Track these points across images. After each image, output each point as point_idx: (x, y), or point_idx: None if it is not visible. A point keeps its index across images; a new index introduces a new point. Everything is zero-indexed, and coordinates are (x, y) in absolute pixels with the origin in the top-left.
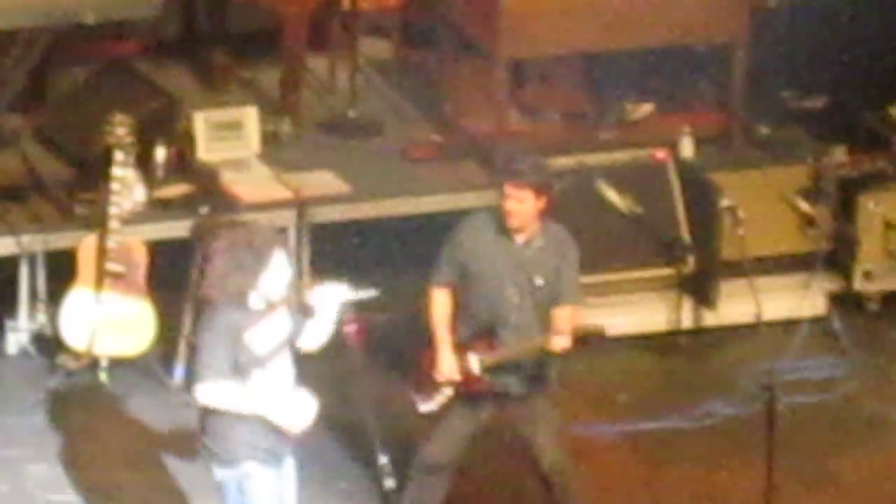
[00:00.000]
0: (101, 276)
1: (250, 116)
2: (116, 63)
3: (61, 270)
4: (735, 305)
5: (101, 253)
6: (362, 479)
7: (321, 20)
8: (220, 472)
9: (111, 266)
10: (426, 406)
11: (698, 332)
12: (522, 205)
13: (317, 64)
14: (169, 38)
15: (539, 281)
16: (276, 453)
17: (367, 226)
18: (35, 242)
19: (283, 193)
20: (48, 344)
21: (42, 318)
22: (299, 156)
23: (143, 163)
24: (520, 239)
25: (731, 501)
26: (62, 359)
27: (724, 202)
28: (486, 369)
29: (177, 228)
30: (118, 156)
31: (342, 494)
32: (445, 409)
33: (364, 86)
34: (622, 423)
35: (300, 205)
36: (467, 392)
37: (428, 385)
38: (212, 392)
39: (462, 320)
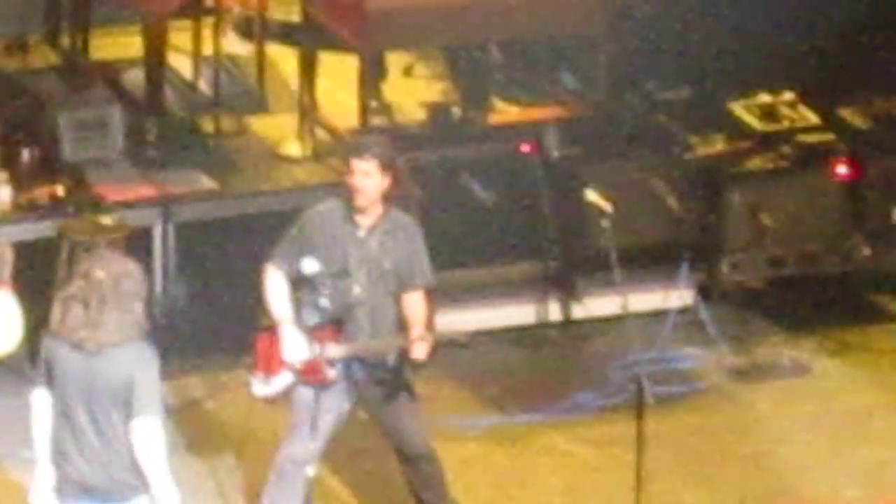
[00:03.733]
0: None
1: (114, 115)
2: None
3: None
4: (602, 298)
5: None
6: None
7: (184, 18)
8: None
9: None
10: (263, 389)
11: (566, 324)
12: (369, 179)
13: (180, 62)
14: (32, 37)
15: (387, 265)
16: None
17: (235, 224)
18: None
19: (148, 192)
20: None
21: None
22: (164, 154)
23: (9, 163)
24: (365, 223)
25: (601, 493)
26: None
27: (590, 194)
28: (331, 362)
29: (43, 229)
30: None
31: None
32: (304, 403)
33: (228, 83)
34: (491, 416)
35: (165, 203)
36: (309, 381)
37: (266, 367)
38: None
39: (307, 307)
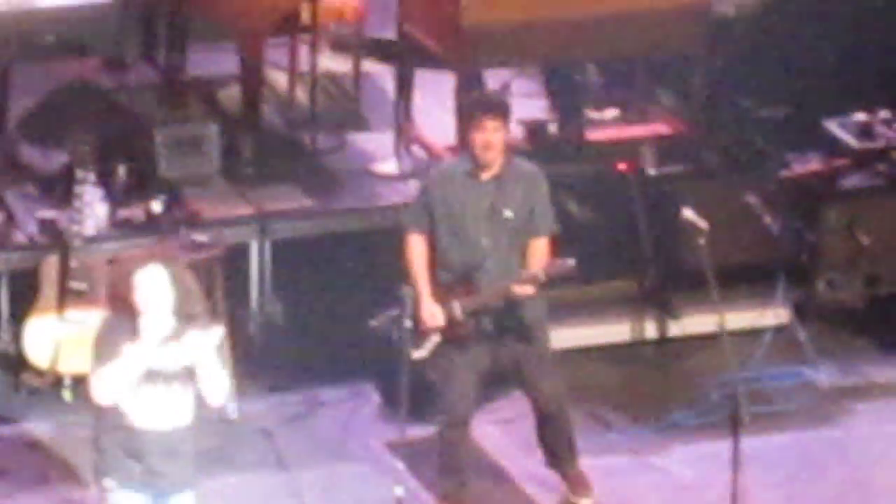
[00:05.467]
0: (64, 295)
1: (211, 132)
2: (77, 81)
3: (24, 290)
4: (698, 315)
5: (64, 271)
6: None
7: (281, 35)
8: None
9: (74, 284)
10: (417, 353)
11: (662, 342)
12: (498, 134)
13: (276, 79)
14: (130, 55)
15: (508, 213)
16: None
17: (331, 241)
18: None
19: (245, 209)
20: (12, 362)
21: (5, 336)
22: (261, 171)
23: (105, 180)
24: (487, 176)
25: None
26: (26, 377)
27: (686, 212)
28: (468, 314)
29: (139, 246)
30: (80, 174)
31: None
32: (448, 363)
33: (324, 100)
34: (587, 434)
35: (262, 220)
36: (452, 338)
37: (420, 333)
38: None
39: (441, 266)
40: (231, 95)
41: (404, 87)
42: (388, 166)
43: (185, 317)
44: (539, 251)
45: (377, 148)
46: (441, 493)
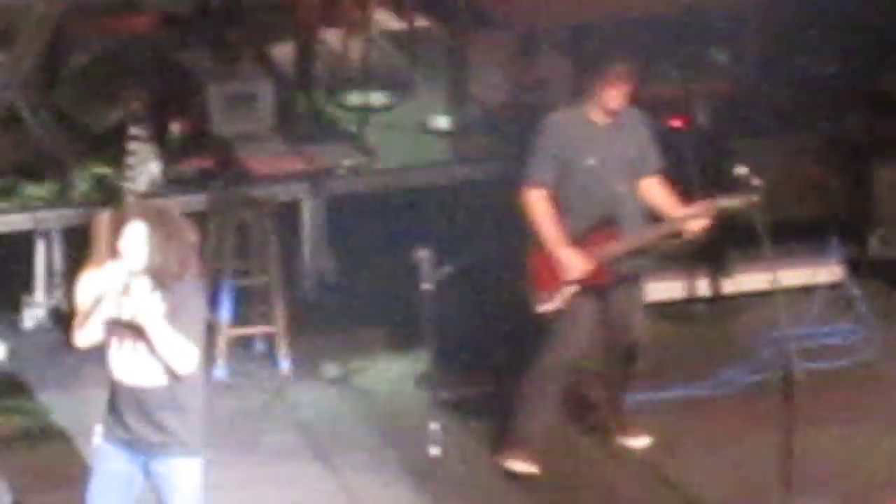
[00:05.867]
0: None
1: (264, 89)
2: (131, 38)
3: (78, 246)
4: (751, 273)
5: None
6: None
7: None
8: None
9: None
10: (547, 305)
11: (715, 299)
12: (627, 82)
13: (330, 36)
14: (183, 13)
15: (632, 154)
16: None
17: (384, 198)
18: (50, 218)
19: (297, 166)
20: (65, 319)
21: (59, 293)
22: (313, 129)
23: (159, 137)
24: (606, 121)
25: (750, 469)
26: None
27: (740, 169)
28: (612, 261)
29: (193, 203)
30: (133, 130)
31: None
32: (577, 307)
33: (378, 58)
34: (640, 391)
35: (314, 177)
36: (593, 285)
37: (548, 285)
38: None
39: (571, 216)
40: (285, 52)
41: (458, 44)
42: (441, 123)
43: (156, 278)
44: (657, 187)
45: (429, 105)
46: (513, 439)
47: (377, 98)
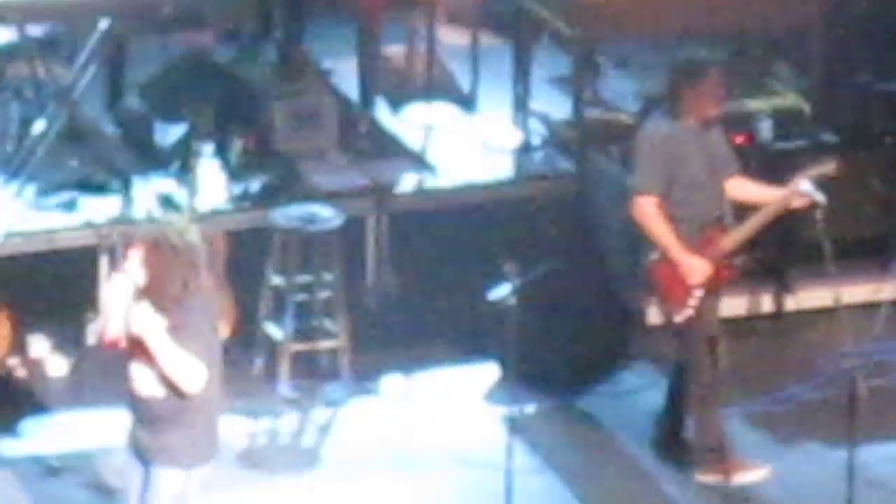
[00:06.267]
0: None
1: (328, 106)
2: (194, 53)
3: None
4: (814, 289)
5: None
6: None
7: (398, 8)
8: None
9: None
10: (683, 314)
11: (778, 316)
12: (723, 90)
13: (393, 52)
14: (246, 28)
15: (722, 154)
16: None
17: (447, 214)
18: (113, 234)
19: (361, 182)
20: None
21: None
22: (377, 145)
23: (222, 153)
24: (700, 127)
25: (813, 485)
26: None
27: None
28: (730, 256)
29: (256, 219)
30: (197, 146)
31: None
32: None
33: (441, 74)
34: None
35: (378, 193)
36: (717, 285)
37: (678, 294)
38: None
39: (680, 222)
40: (347, 68)
41: (521, 60)
42: (504, 140)
43: (154, 300)
44: (745, 182)
45: (494, 122)
46: (705, 460)
47: (440, 114)
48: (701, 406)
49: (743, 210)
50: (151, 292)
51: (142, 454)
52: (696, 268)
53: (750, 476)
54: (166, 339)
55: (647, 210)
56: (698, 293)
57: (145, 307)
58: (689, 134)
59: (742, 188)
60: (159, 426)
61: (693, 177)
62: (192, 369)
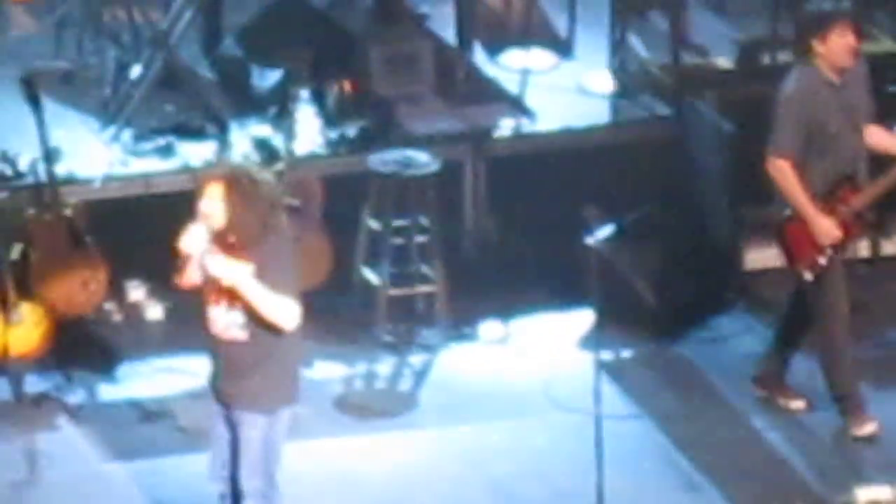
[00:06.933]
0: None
1: (425, 50)
2: None
3: None
4: None
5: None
6: None
7: None
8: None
9: (288, 200)
10: (812, 272)
11: (875, 260)
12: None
13: None
14: None
15: (861, 104)
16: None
17: (544, 158)
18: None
19: (459, 127)
20: None
21: None
22: (474, 89)
23: (319, 97)
24: (839, 79)
25: None
26: None
27: None
28: (860, 214)
29: (352, 163)
30: (294, 91)
31: None
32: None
33: (538, 18)
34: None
35: (475, 138)
36: (846, 243)
37: (808, 252)
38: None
39: (813, 180)
40: (444, 13)
41: (616, 5)
42: (602, 84)
43: (236, 238)
44: (880, 131)
45: (590, 65)
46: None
47: (537, 58)
48: (832, 358)
49: (878, 159)
50: (231, 230)
51: (224, 399)
52: (828, 229)
53: (868, 428)
54: (255, 282)
55: (785, 170)
56: (829, 252)
57: (223, 257)
58: (828, 89)
59: (875, 137)
60: (240, 371)
61: (831, 134)
62: (286, 307)
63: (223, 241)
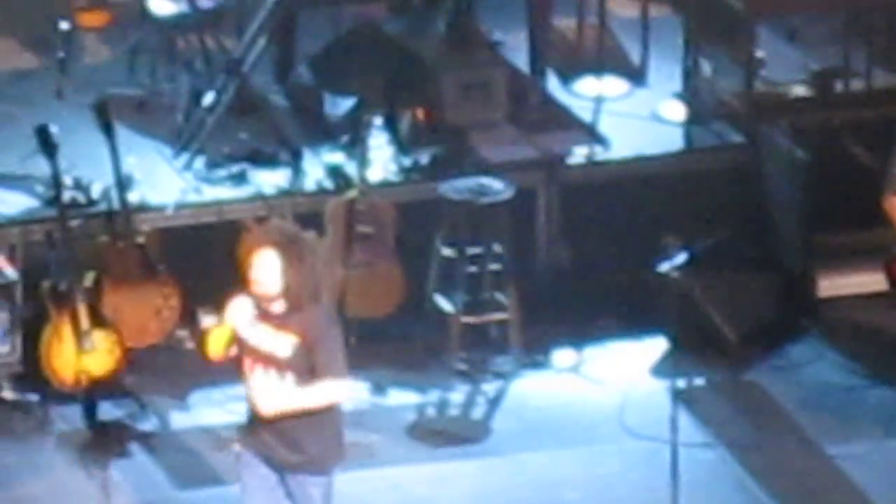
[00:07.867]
0: (350, 238)
1: (498, 77)
2: (364, 25)
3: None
4: None
5: (350, 214)
6: None
7: None
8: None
9: (360, 227)
10: None
11: None
12: None
13: (564, 24)
14: (416, 0)
15: None
16: None
17: (617, 186)
18: (283, 206)
19: (532, 154)
20: None
21: None
22: (547, 117)
23: (391, 125)
24: None
25: None
26: None
27: None
28: None
29: (425, 191)
30: (366, 118)
31: None
32: None
33: (611, 45)
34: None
35: (549, 165)
36: None
37: None
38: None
39: None
40: (517, 40)
41: (693, 32)
42: (676, 112)
43: (292, 302)
44: None
45: (664, 94)
46: None
47: (610, 86)
48: None
49: None
50: (289, 295)
51: (281, 466)
52: None
53: None
54: (299, 391)
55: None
56: None
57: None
58: None
59: None
60: (295, 440)
61: None
62: (336, 389)
63: (266, 312)
